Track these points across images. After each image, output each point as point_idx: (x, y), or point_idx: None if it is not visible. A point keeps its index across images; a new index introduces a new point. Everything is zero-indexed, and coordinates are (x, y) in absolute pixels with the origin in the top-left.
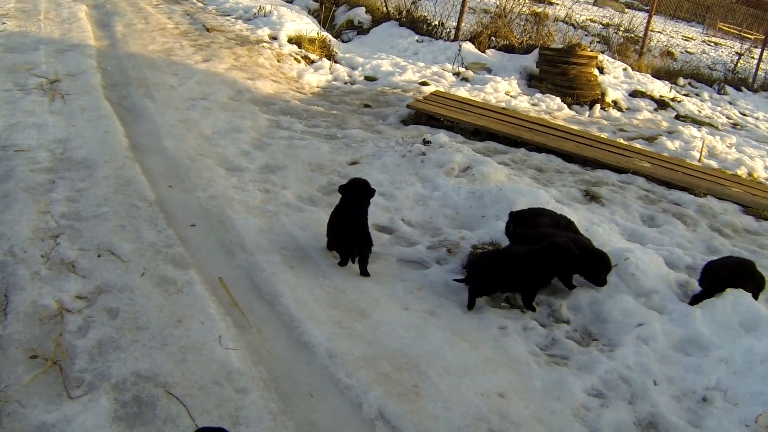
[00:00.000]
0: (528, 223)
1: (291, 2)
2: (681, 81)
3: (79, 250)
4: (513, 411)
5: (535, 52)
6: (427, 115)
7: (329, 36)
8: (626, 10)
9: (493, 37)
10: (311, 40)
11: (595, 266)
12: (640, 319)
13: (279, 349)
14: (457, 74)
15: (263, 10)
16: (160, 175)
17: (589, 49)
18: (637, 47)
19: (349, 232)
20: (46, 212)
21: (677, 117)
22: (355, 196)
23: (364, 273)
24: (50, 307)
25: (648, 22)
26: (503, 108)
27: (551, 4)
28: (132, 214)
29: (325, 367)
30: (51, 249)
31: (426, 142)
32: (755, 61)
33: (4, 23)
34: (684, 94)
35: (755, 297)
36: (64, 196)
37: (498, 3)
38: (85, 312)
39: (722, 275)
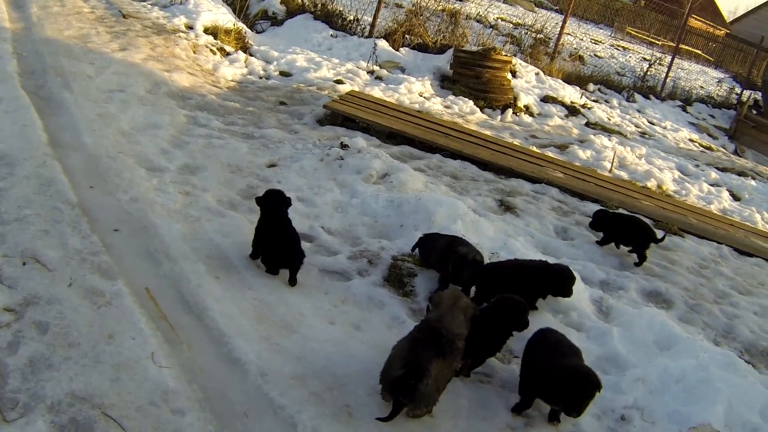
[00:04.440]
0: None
1: None
2: (591, 87)
3: (3, 257)
4: (443, 431)
5: (449, 52)
6: (344, 116)
7: (245, 27)
8: (536, 9)
9: (407, 35)
10: (227, 32)
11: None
12: None
13: (211, 366)
14: (371, 72)
15: None
16: (80, 174)
17: (503, 53)
18: (548, 50)
19: (287, 249)
20: None
21: (587, 124)
22: (275, 207)
23: (293, 282)
24: None
25: (562, 26)
26: (418, 111)
27: (463, 0)
28: (55, 217)
29: (257, 385)
30: None
31: (344, 146)
32: (664, 69)
33: None
34: (594, 100)
35: None
36: None
37: (413, 0)
38: (14, 326)
39: None
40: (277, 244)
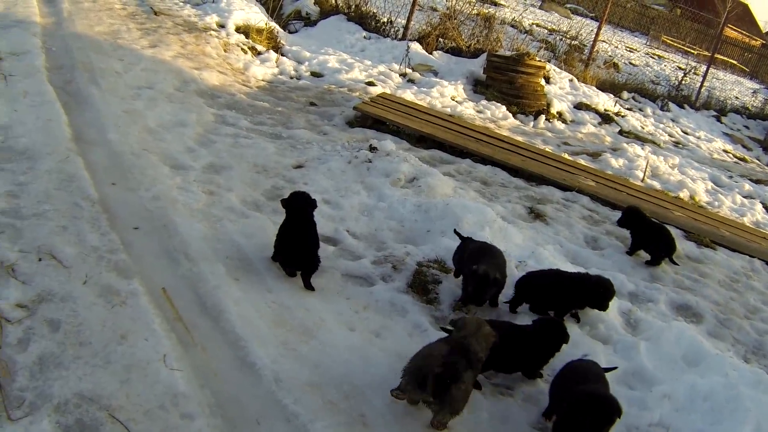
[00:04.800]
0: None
1: None
2: (625, 95)
3: (19, 252)
4: None
5: (483, 57)
6: (374, 119)
7: (277, 27)
8: (572, 15)
9: (441, 39)
10: (259, 31)
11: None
12: (586, 349)
13: (224, 369)
14: (403, 75)
15: None
16: (103, 170)
17: (537, 59)
18: (582, 56)
19: (302, 252)
20: None
21: (621, 132)
22: (300, 209)
23: (309, 287)
24: None
25: (597, 33)
26: (450, 115)
27: (497, 5)
28: (74, 213)
29: (271, 391)
30: None
31: (372, 149)
32: (699, 78)
33: None
34: (627, 108)
35: None
36: (5, 191)
37: (447, 4)
38: (26, 323)
39: None
40: (293, 246)
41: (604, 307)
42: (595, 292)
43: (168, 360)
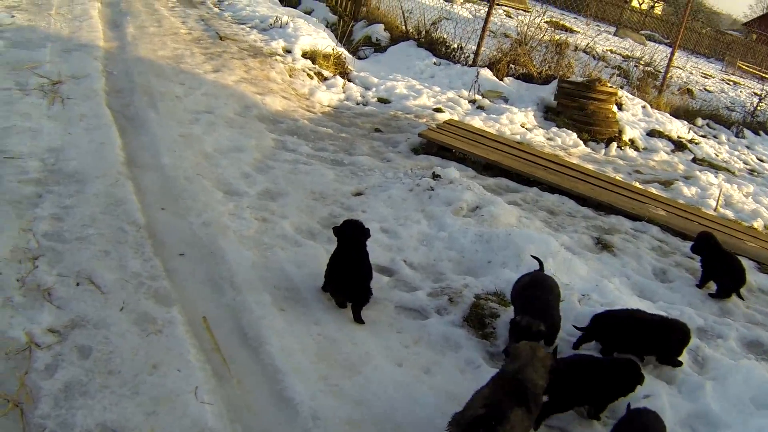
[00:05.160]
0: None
1: (310, 14)
2: (699, 121)
3: (57, 276)
4: None
5: (554, 83)
6: (439, 146)
7: (345, 52)
8: (646, 42)
9: (512, 65)
10: (326, 56)
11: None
12: (648, 389)
13: (259, 404)
14: (473, 102)
15: (279, 21)
16: (153, 195)
17: (609, 85)
18: (656, 83)
19: (353, 283)
20: (29, 230)
21: (694, 160)
22: (352, 238)
23: (358, 320)
24: (19, 340)
25: (670, 59)
26: (518, 142)
27: (570, 31)
28: (118, 238)
29: (306, 429)
30: (28, 273)
31: (435, 176)
32: None
33: (13, 16)
34: (701, 135)
35: None
36: (50, 213)
37: (519, 30)
38: (56, 348)
39: None
40: (344, 277)
41: (679, 353)
42: (674, 338)
43: (199, 393)
